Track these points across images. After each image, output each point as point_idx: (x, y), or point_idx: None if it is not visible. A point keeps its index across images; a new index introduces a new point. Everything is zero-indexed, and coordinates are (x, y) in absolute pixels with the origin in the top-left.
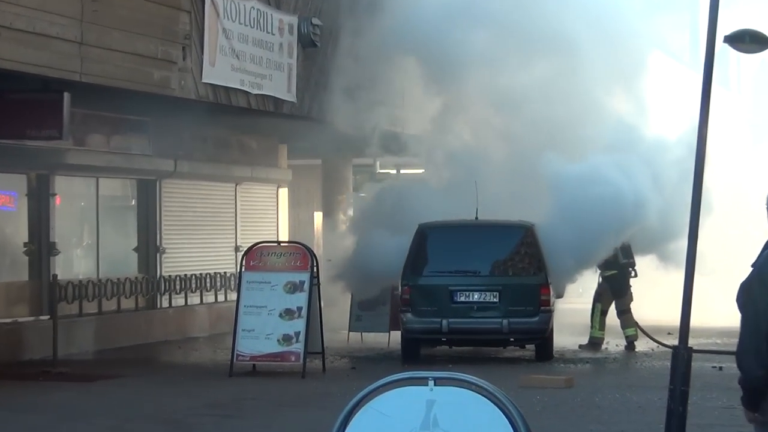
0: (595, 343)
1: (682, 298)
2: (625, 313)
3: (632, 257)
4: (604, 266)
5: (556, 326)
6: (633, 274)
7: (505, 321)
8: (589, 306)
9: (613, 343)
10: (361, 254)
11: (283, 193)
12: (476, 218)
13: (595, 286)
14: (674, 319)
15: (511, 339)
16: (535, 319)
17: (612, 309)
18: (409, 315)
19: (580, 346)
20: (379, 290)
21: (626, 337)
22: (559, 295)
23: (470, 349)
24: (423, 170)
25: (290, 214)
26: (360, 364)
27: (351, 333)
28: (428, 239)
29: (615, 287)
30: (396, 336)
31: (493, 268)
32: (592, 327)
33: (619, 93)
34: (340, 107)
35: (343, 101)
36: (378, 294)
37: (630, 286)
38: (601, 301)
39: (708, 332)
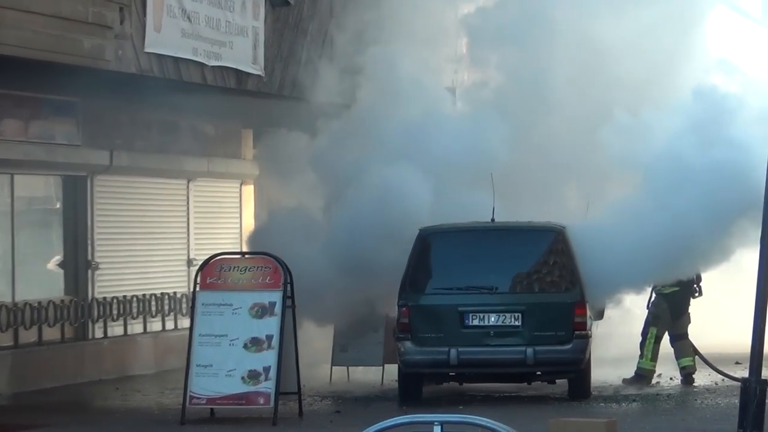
0: (643, 376)
1: (753, 319)
2: (681, 339)
3: (699, 272)
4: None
5: (595, 356)
6: (697, 292)
7: (529, 350)
8: (636, 330)
9: (666, 375)
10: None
11: (249, 191)
12: (492, 220)
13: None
14: (743, 344)
15: (538, 372)
16: (568, 346)
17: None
18: (407, 344)
19: (625, 381)
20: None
21: (681, 369)
22: (599, 317)
23: (486, 386)
24: None
25: (258, 218)
26: (347, 407)
27: (335, 367)
28: (432, 247)
29: (674, 307)
30: (392, 370)
31: (515, 283)
32: (641, 356)
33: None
34: (321, 81)
35: (324, 73)
36: (366, 317)
37: (689, 306)
38: (657, 324)
39: None
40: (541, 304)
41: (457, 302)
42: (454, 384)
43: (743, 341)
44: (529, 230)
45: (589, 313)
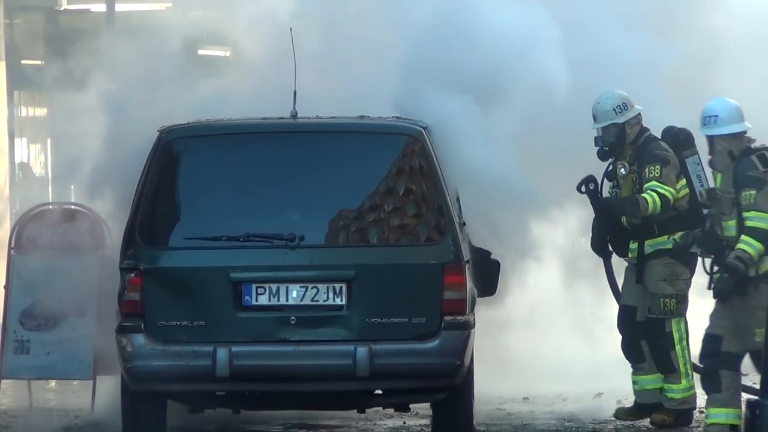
0: (670, 409)
1: None
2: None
3: None
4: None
5: (490, 362)
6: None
7: (362, 350)
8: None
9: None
10: None
11: None
12: (293, 116)
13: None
14: None
15: (378, 391)
16: (433, 344)
17: None
18: (138, 339)
19: (621, 412)
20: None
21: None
22: (488, 290)
23: (287, 416)
24: None
25: None
26: None
27: (5, 381)
28: (182, 164)
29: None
30: (108, 386)
31: (334, 229)
32: (674, 377)
33: None
34: None
35: None
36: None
37: None
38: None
39: None
40: (383, 267)
41: (228, 263)
42: (226, 412)
43: None
44: (360, 133)
45: (470, 283)
